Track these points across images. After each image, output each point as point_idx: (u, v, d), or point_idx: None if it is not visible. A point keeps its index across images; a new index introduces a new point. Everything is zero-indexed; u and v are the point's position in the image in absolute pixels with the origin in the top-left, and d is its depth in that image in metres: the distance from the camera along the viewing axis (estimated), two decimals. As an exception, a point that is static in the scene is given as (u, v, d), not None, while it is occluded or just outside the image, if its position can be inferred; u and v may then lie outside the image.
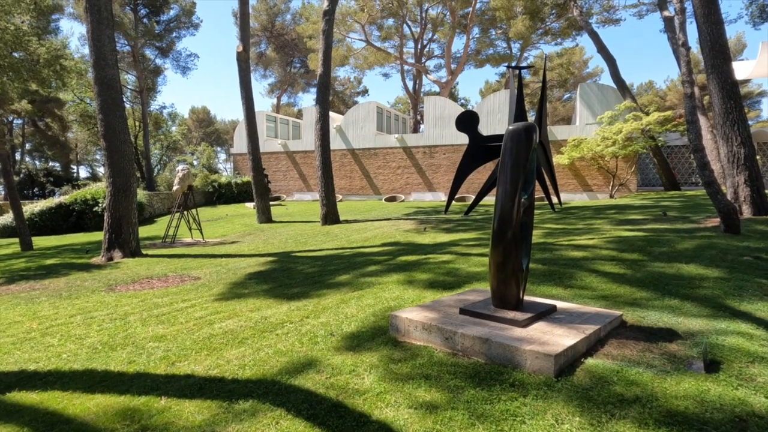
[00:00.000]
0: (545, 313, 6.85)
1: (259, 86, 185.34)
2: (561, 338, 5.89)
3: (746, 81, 49.53)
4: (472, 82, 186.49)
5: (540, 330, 6.22)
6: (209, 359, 6.70)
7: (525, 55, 65.87)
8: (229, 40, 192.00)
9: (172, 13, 61.26)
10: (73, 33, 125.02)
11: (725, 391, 4.96)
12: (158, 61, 64.94)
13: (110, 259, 17.99)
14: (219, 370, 6.28)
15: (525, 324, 6.38)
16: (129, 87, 64.11)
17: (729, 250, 11.61)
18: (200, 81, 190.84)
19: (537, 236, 15.62)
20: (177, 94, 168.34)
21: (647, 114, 33.58)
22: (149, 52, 63.33)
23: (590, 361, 5.69)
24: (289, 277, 12.41)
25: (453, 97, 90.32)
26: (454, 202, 35.83)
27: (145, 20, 59.48)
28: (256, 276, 13.03)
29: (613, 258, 11.41)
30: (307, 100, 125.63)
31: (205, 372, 6.26)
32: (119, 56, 53.56)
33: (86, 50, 59.61)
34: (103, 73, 18.11)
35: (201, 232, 24.09)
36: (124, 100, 28.03)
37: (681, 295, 8.17)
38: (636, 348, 6.04)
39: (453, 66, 64.54)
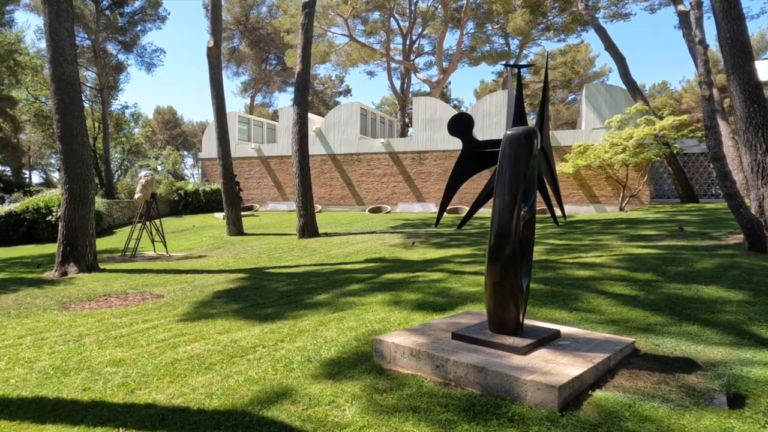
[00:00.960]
0: (548, 339, 6.80)
1: (231, 85, 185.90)
2: (566, 367, 5.83)
3: (770, 83, 49.85)
4: (466, 82, 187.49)
5: (542, 358, 6.16)
6: (173, 387, 6.63)
7: (525, 52, 66.22)
8: (199, 35, 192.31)
9: (136, 4, 61.34)
10: (29, 26, 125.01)
11: (751, 429, 4.91)
12: (121, 57, 64.94)
13: (64, 273, 17.85)
14: (183, 399, 6.21)
15: (525, 351, 6.32)
16: (88, 85, 63.85)
17: (754, 270, 11.60)
18: (167, 79, 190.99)
19: (538, 253, 15.62)
20: (141, 93, 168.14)
21: (661, 118, 33.72)
22: (111, 47, 63.27)
23: (599, 394, 5.64)
24: (262, 296, 12.35)
25: (445, 97, 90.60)
26: (445, 214, 35.83)
27: (107, 12, 59.40)
28: (225, 294, 12.96)
29: (623, 278, 11.40)
30: (284, 100, 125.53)
31: (168, 401, 6.19)
32: (79, 51, 53.30)
33: (43, 44, 59.36)
34: (60, 70, 18.02)
35: (165, 245, 23.95)
36: (83, 98, 27.83)
37: (700, 320, 8.15)
38: (650, 379, 5.99)
39: (445, 64, 64.76)
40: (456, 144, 37.01)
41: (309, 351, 7.65)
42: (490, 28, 62.82)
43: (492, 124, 39.52)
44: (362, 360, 7.09)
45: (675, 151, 35.25)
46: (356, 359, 7.14)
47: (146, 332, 9.49)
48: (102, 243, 29.11)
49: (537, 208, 6.94)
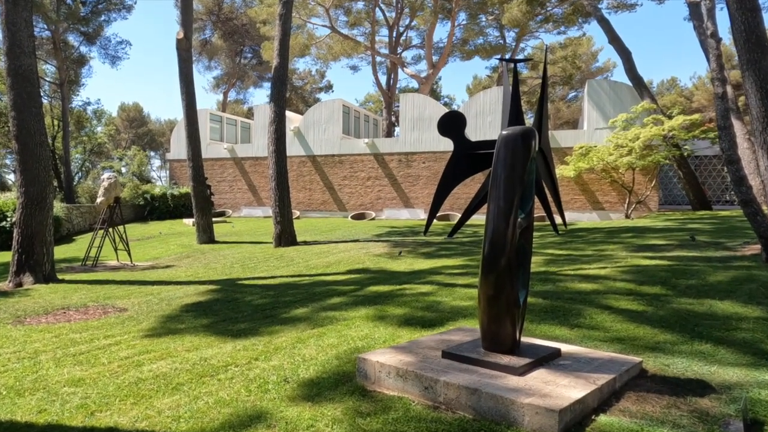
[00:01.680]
0: (547, 359, 6.78)
1: (203, 80, 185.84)
2: (567, 389, 5.81)
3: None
4: (458, 78, 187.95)
5: (541, 379, 6.14)
6: (136, 409, 6.58)
7: (522, 45, 66.52)
8: (168, 26, 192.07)
9: (100, -8, 60.98)
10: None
11: (769, 457, 4.89)
12: (83, 49, 64.58)
13: (19, 284, 17.76)
14: (148, 422, 6.16)
15: (522, 371, 6.29)
16: (47, 79, 63.53)
17: (772, 283, 11.61)
18: (132, 73, 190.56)
19: (537, 264, 15.64)
20: (104, 89, 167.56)
21: (670, 117, 33.77)
22: (73, 39, 62.94)
23: (603, 419, 5.61)
24: (235, 310, 12.33)
25: (435, 94, 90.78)
26: (435, 221, 35.71)
27: (68, 1, 59.05)
28: (194, 308, 12.93)
29: (629, 292, 11.42)
30: (260, 96, 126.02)
31: (131, 425, 6.14)
32: (37, 43, 53.00)
33: (-1, 36, 59.08)
34: (17, 63, 17.95)
35: (129, 254, 23.87)
36: (42, 94, 27.52)
37: (714, 338, 8.14)
38: (659, 403, 5.96)
39: (435, 58, 64.92)
40: (447, 145, 36.97)
41: (286, 370, 7.61)
42: (483, 19, 62.94)
43: (486, 123, 39.62)
44: (344, 380, 7.06)
45: (686, 154, 35.34)
46: (337, 379, 7.11)
47: (108, 349, 9.43)
48: (61, 251, 29.00)
49: (535, 215, 6.92)
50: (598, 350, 7.44)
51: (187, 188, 44.30)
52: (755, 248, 16.08)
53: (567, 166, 35.60)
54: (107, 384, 7.50)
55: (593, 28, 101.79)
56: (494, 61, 74.99)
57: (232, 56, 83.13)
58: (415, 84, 75.61)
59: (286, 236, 26.28)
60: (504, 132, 6.65)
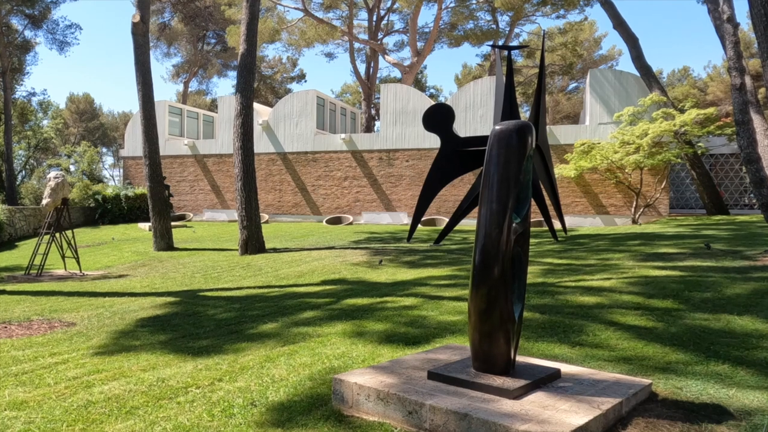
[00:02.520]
0: (545, 380, 6.74)
1: (161, 68, 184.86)
2: (567, 415, 5.78)
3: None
4: (446, 66, 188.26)
5: (538, 403, 6.11)
6: (85, 437, 6.50)
7: (516, 31, 66.70)
8: (122, 8, 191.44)
9: (48, -30, 60.82)
10: None
11: (792, 491, 4.89)
12: (28, 34, 64.59)
13: (-46, 297, 17.70)
14: (97, 451, 6.11)
15: (518, 395, 6.26)
16: (-13, 67, 63.45)
17: (797, 297, 11.63)
18: (83, 61, 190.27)
19: (534, 274, 15.65)
20: (51, 78, 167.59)
21: (682, 111, 33.89)
22: (16, 22, 62.83)
23: (607, 447, 5.60)
24: (196, 325, 12.30)
25: (420, 85, 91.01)
26: (420, 226, 35.69)
27: (12, -20, 58.98)
28: (151, 322, 12.89)
29: (637, 306, 11.43)
30: (224, 86, 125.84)
31: (79, 455, 6.08)
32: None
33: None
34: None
35: (78, 262, 23.77)
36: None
37: (732, 358, 8.13)
38: (671, 430, 5.95)
39: (420, 44, 64.91)
40: (433, 141, 37.08)
41: (253, 393, 7.57)
42: (474, 1, 63.03)
43: (476, 117, 39.67)
44: (318, 404, 7.02)
45: (699, 152, 35.41)
46: (310, 403, 7.07)
47: (54, 368, 9.38)
48: (2, 258, 28.91)
49: (532, 220, 6.91)
50: (602, 371, 7.42)
51: (143, 189, 44.25)
52: (777, 257, 16.11)
53: (567, 165, 35.65)
54: (53, 407, 7.44)
55: (596, 12, 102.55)
56: (486, 48, 75.29)
57: (193, 42, 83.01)
58: (397, 73, 75.80)
59: (253, 243, 26.24)
60: (497, 127, 6.61)
